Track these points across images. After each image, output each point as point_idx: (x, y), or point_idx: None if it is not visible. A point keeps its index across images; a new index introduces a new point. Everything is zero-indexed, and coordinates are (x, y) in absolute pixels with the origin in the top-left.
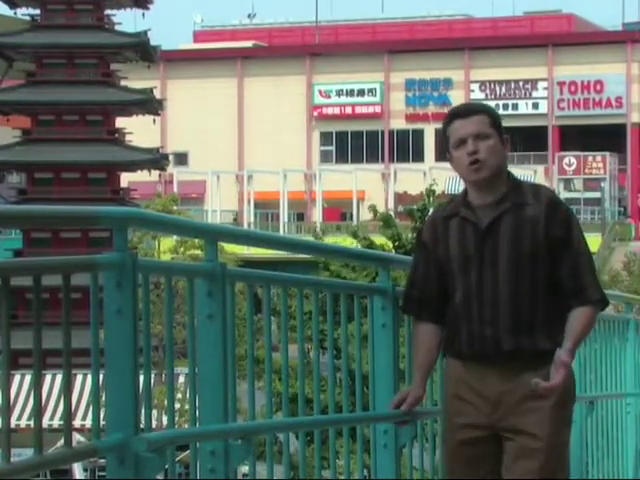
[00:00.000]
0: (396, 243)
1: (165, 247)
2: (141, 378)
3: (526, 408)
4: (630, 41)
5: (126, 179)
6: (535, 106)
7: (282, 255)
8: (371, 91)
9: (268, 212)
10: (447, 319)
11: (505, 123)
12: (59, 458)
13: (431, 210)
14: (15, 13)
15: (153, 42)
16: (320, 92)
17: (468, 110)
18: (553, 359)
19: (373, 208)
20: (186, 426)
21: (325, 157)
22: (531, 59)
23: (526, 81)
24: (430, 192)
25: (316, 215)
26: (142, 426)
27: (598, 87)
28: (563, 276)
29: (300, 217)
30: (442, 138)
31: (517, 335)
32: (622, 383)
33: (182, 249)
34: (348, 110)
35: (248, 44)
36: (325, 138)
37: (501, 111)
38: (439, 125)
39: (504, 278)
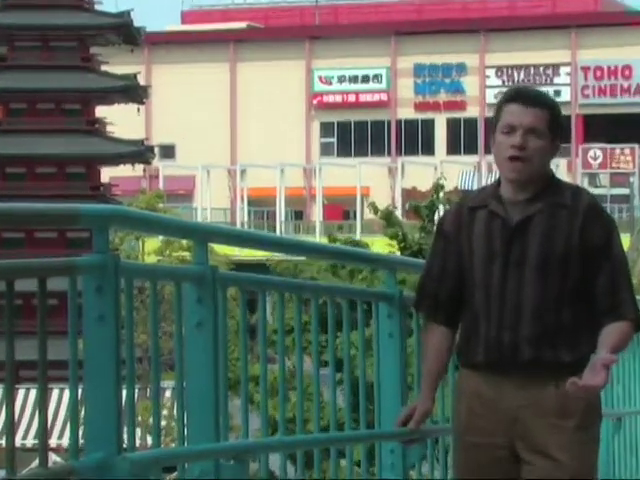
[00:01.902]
0: (402, 244)
1: (150, 249)
2: (124, 392)
3: (546, 425)
4: None
5: (107, 174)
6: (557, 93)
7: (279, 257)
8: (376, 77)
9: (264, 210)
10: (463, 324)
11: None
12: None
13: (440, 207)
14: None
15: (137, 23)
16: (320, 78)
17: (532, 98)
18: (587, 364)
19: (373, 205)
20: (173, 445)
21: (326, 150)
22: (553, 42)
23: (547, 66)
24: (439, 187)
25: (316, 213)
26: (125, 445)
27: (626, 72)
28: (597, 290)
29: (298, 215)
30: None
31: (538, 344)
32: None
33: (169, 251)
34: (351, 98)
35: (242, 25)
36: (326, 129)
37: None
38: (451, 115)
39: (530, 281)
